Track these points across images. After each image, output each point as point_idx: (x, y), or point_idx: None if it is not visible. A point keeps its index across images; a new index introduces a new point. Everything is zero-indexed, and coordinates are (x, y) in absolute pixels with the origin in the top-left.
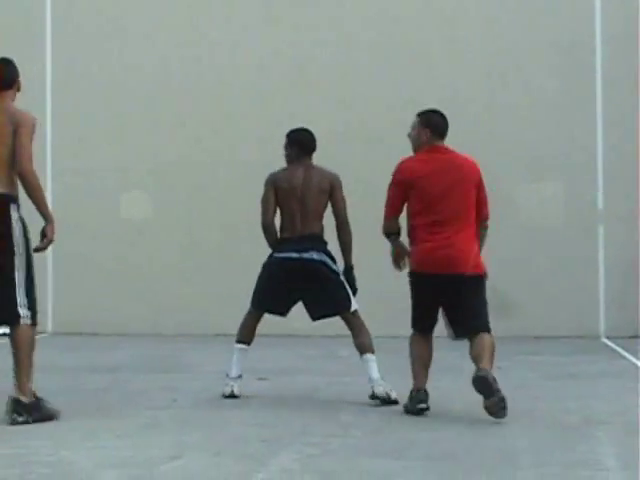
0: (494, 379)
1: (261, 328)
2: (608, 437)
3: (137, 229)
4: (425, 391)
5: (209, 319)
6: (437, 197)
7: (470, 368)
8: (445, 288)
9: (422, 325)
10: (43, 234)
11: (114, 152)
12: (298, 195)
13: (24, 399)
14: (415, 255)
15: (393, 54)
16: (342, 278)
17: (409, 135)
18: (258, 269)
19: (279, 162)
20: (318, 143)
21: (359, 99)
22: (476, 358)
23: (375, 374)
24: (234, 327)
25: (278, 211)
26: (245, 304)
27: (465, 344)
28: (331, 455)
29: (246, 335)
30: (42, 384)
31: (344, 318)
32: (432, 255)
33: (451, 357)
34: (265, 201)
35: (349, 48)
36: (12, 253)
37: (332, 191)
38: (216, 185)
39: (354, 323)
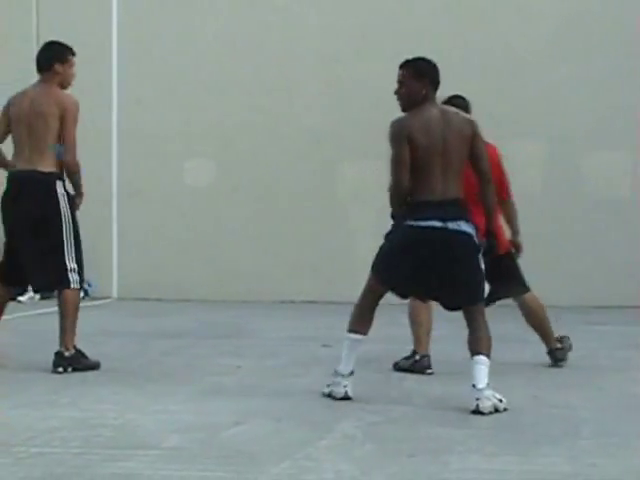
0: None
1: (327, 295)
2: None
3: (202, 195)
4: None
5: (274, 286)
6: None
7: (534, 339)
8: None
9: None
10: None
11: (178, 118)
12: (439, 147)
13: (67, 353)
14: None
15: (455, 18)
16: (481, 260)
17: None
18: (324, 235)
19: (343, 127)
20: (380, 108)
21: None
22: (541, 335)
23: (481, 383)
24: (299, 294)
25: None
26: (309, 271)
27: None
28: (393, 423)
29: (361, 323)
30: (107, 349)
31: (465, 309)
32: None
33: (512, 327)
34: (396, 161)
35: (410, 11)
36: (60, 224)
37: (473, 139)
38: (280, 151)
39: (473, 316)
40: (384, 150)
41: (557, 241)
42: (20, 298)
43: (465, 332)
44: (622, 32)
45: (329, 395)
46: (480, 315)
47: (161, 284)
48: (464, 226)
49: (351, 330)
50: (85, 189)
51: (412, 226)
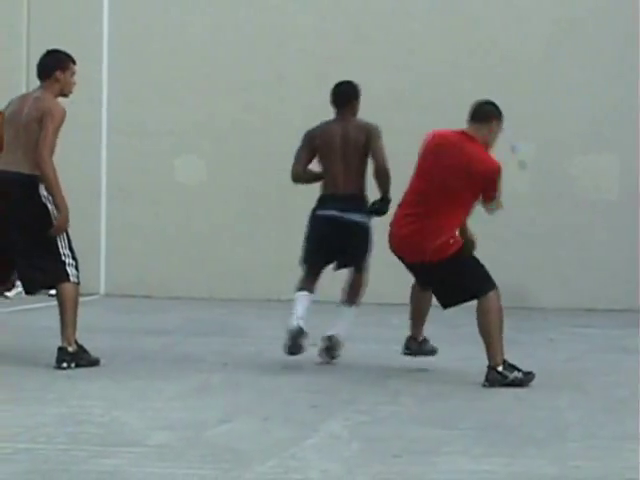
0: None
1: (313, 295)
2: None
3: (191, 193)
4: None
5: (263, 284)
6: (418, 175)
7: (528, 341)
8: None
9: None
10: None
11: (169, 115)
12: (337, 152)
13: (70, 348)
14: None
15: (448, 20)
16: (370, 235)
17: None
18: None
19: None
20: (373, 107)
21: (414, 64)
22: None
23: (339, 329)
24: (287, 293)
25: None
26: (297, 270)
27: (514, 315)
28: (380, 422)
29: (306, 284)
30: (95, 344)
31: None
32: (394, 239)
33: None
34: (295, 156)
35: (405, 13)
36: (49, 221)
37: (369, 141)
38: (271, 150)
39: (356, 277)
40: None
41: (545, 243)
42: (7, 294)
43: (451, 331)
44: (615, 36)
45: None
46: (359, 275)
47: (149, 281)
48: (357, 217)
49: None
50: (72, 191)
51: (318, 215)
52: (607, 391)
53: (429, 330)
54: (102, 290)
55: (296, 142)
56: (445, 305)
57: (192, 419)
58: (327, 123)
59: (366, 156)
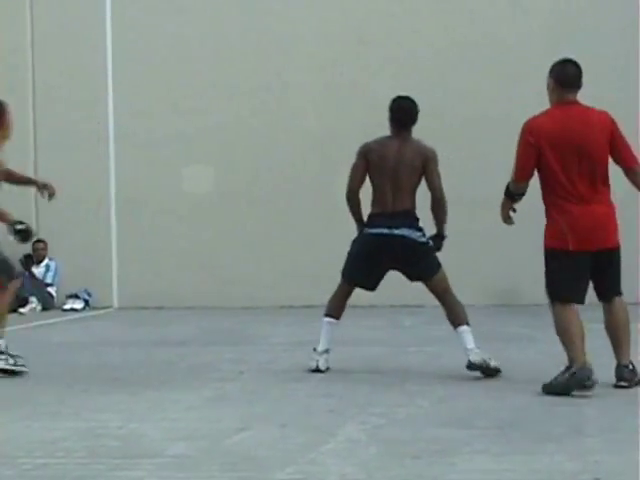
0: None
1: (326, 300)
2: None
3: (200, 202)
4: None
5: (274, 291)
6: (572, 157)
7: (542, 337)
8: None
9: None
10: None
11: (175, 125)
12: (390, 170)
13: None
14: (564, 231)
15: (449, 22)
16: (430, 245)
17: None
18: (322, 240)
19: (342, 130)
20: (378, 110)
21: (418, 66)
22: (614, 342)
23: (470, 344)
24: (299, 299)
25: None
26: (309, 275)
27: (528, 312)
28: (397, 425)
29: (334, 309)
30: (109, 358)
31: (432, 289)
32: (587, 225)
33: (517, 326)
34: (353, 170)
35: (407, 15)
36: None
37: (426, 166)
38: (278, 156)
39: (443, 297)
40: None
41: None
42: (21, 310)
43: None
44: (618, 28)
45: (309, 369)
46: (446, 293)
47: (161, 292)
48: (406, 232)
49: (327, 315)
50: (81, 205)
51: (368, 233)
52: None
53: (445, 330)
54: (115, 303)
55: (302, 147)
56: (604, 296)
57: (209, 428)
58: (383, 139)
59: (419, 179)
